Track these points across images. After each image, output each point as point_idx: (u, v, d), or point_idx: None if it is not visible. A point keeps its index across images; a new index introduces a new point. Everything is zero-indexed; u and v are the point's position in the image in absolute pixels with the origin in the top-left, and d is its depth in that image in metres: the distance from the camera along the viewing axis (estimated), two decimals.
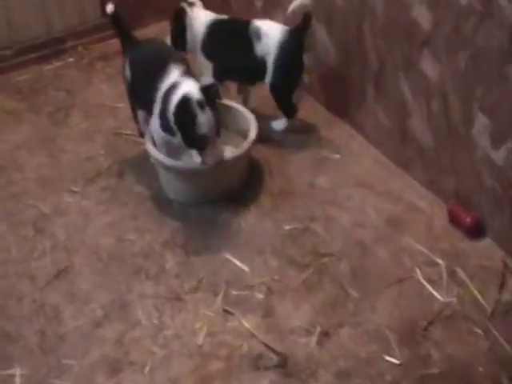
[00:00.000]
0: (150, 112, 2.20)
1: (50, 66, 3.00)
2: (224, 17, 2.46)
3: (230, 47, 2.36)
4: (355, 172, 2.35)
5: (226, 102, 2.35)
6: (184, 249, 2.11)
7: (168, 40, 2.46)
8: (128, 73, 2.27)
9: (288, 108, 2.40)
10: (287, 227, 2.16)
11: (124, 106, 2.66)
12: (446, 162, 2.12)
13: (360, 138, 2.49)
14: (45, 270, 2.06)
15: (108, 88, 2.86)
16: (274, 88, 2.34)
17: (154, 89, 2.12)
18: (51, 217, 2.25)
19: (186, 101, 2.01)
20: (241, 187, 2.29)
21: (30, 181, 2.40)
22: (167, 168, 2.23)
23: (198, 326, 1.88)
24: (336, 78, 2.53)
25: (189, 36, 2.40)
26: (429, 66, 2.03)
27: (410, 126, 2.21)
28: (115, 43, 3.09)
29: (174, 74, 2.10)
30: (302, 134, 2.53)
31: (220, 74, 2.42)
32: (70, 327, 1.90)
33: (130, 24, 2.49)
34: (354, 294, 1.93)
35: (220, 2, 2.96)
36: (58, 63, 3.01)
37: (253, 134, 2.25)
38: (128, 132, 2.57)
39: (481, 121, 1.91)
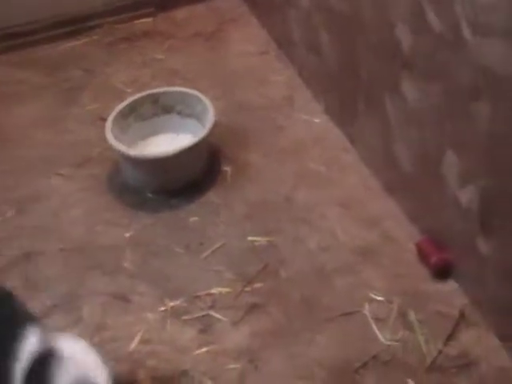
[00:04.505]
0: None
1: (76, 43, 3.06)
2: None
3: None
4: (338, 189, 2.24)
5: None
6: (146, 248, 2.13)
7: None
8: None
9: None
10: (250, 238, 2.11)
11: (132, 91, 2.70)
12: (425, 195, 1.96)
13: (354, 152, 2.36)
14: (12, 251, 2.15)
15: (124, 70, 2.88)
16: None
17: None
18: (36, 199, 2.33)
19: None
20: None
21: (33, 159, 2.48)
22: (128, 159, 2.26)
23: (135, 331, 1.90)
24: (334, 85, 2.39)
25: None
26: (409, 90, 1.87)
27: (395, 150, 2.06)
28: (143, 24, 3.14)
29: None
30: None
31: None
32: None
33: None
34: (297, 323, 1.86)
35: None
36: (84, 40, 3.06)
37: (211, 120, 2.27)
38: None
39: (449, 158, 1.75)
